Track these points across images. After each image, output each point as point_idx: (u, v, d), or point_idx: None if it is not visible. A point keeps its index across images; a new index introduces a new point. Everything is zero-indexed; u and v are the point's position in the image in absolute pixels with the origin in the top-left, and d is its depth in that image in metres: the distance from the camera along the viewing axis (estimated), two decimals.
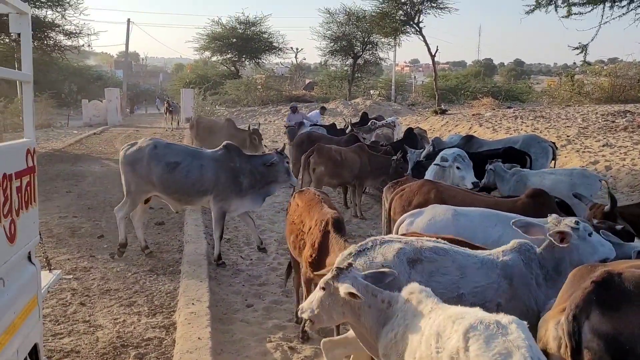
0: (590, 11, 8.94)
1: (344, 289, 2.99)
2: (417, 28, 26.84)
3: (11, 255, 2.39)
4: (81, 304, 5.31)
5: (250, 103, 31.70)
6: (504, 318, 2.58)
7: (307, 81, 42.27)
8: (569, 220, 3.46)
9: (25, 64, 2.80)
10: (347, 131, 12.79)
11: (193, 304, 5.02)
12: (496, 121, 19.93)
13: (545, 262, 3.45)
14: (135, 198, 6.62)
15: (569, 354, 2.62)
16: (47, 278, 3.42)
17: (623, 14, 8.88)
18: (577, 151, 14.05)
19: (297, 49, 42.39)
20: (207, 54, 38.94)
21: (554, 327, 2.74)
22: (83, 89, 34.68)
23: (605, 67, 29.36)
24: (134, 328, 4.78)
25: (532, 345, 2.44)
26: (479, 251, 3.56)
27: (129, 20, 37.27)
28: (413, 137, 11.28)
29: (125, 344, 4.49)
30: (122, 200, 6.77)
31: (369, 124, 13.60)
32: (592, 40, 9.30)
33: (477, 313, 2.70)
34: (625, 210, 5.34)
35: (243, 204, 6.76)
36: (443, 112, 24.99)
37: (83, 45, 25.01)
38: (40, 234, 3.03)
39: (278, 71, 43.00)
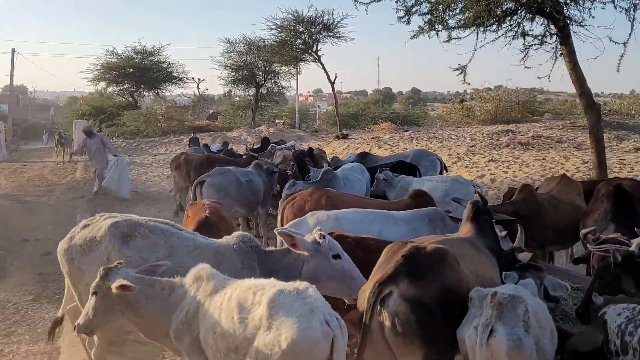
0: (467, 36, 9.68)
1: (115, 284, 3.00)
2: (316, 56, 27.62)
3: None
4: None
5: (150, 134, 30.79)
6: (300, 285, 2.84)
7: (211, 111, 41.84)
8: (316, 233, 3.69)
9: None
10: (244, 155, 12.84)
11: None
12: (394, 143, 20.88)
13: (271, 258, 3.70)
14: None
15: (367, 314, 2.99)
16: None
17: (496, 38, 9.69)
18: (466, 167, 15.04)
19: (198, 79, 41.97)
20: (103, 84, 37.40)
21: (368, 296, 3.05)
22: None
23: (491, 93, 31.75)
24: (12, 357, 4.43)
25: (327, 304, 2.78)
26: (210, 239, 3.82)
27: (13, 50, 35.09)
28: (313, 157, 11.51)
29: None
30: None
31: (269, 148, 13.73)
32: (470, 61, 10.02)
33: (274, 283, 2.91)
34: (498, 208, 5.82)
35: None
36: (345, 136, 25.74)
37: None
38: None
39: (180, 102, 42.21)
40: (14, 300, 5.83)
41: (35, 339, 4.80)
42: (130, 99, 36.85)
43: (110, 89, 37.76)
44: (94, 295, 3.07)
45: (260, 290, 2.83)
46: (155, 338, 3.28)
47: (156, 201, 13.15)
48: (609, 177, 10.61)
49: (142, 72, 35.71)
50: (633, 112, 26.79)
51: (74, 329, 3.19)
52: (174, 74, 37.45)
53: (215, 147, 16.52)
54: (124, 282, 2.96)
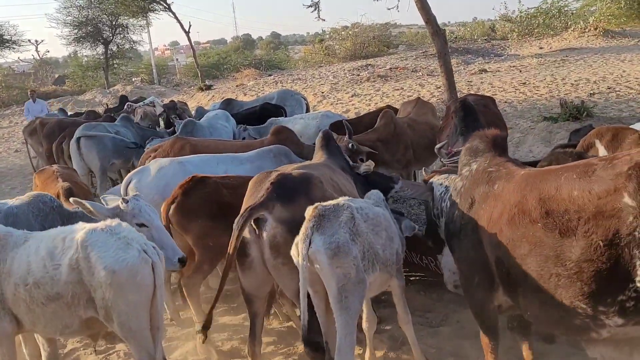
0: None
1: None
2: (165, 4, 26.06)
3: None
4: None
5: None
6: (112, 222, 2.95)
7: (57, 75, 38.20)
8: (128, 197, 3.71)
9: None
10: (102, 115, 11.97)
11: None
12: (259, 88, 20.71)
13: (75, 219, 3.60)
14: None
15: (234, 237, 3.11)
16: None
17: None
18: (332, 104, 15.40)
19: (36, 40, 37.87)
20: None
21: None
22: None
23: (348, 31, 32.36)
24: None
25: (142, 235, 2.96)
26: None
27: None
28: (175, 108, 11.07)
29: None
30: None
31: (125, 106, 12.93)
32: None
33: (83, 225, 2.98)
34: (362, 137, 6.07)
35: None
36: (208, 87, 24.97)
37: None
38: None
39: (19, 68, 38.00)
40: None
41: None
42: None
43: None
44: None
45: (69, 234, 2.89)
46: None
47: (6, 177, 11.95)
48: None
49: None
50: (476, 37, 28.93)
51: None
52: (5, 37, 33.27)
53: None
54: None
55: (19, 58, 37.74)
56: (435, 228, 3.61)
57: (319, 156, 4.16)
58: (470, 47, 25.85)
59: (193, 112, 11.05)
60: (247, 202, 3.35)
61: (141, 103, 13.75)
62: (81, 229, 2.91)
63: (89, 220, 3.40)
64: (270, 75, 27.23)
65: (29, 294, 2.84)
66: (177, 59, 48.03)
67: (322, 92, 17.16)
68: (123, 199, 3.55)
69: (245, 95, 19.58)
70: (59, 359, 3.36)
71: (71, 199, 3.53)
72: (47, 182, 4.72)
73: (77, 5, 30.71)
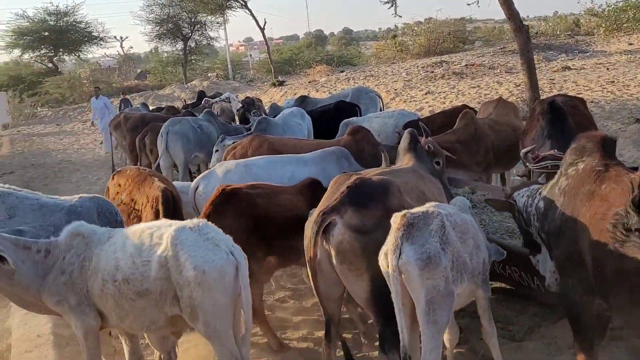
0: None
1: None
2: (242, 2, 26.65)
3: None
4: None
5: (77, 100, 29.22)
6: (199, 221, 2.97)
7: (139, 70, 40.06)
8: None
9: None
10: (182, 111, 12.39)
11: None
12: (331, 85, 20.73)
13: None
14: None
15: (311, 243, 3.10)
16: None
17: None
18: (405, 101, 15.18)
19: (121, 37, 39.82)
20: (17, 52, 34.87)
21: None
22: None
23: (422, 26, 31.80)
24: None
25: (228, 237, 2.96)
26: (53, 197, 3.73)
27: None
28: (253, 105, 11.28)
29: None
30: None
31: (203, 102, 13.31)
32: None
33: (168, 222, 3.01)
34: (441, 138, 5.90)
35: None
36: (281, 83, 25.33)
37: None
38: None
39: (105, 64, 40.11)
40: None
41: None
42: (50, 64, 34.59)
43: (26, 56, 35.27)
44: None
45: (156, 230, 2.92)
46: (25, 305, 3.16)
47: (91, 168, 12.64)
48: (541, 97, 10.98)
49: (58, 34, 33.41)
50: (558, 33, 27.56)
51: None
52: (93, 34, 35.24)
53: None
54: (2, 253, 2.80)
55: (105, 54, 39.79)
56: (527, 235, 3.54)
57: (406, 159, 3.98)
58: (552, 42, 24.67)
59: (267, 108, 11.21)
60: (323, 203, 3.33)
61: (218, 99, 14.12)
62: (167, 225, 2.95)
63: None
64: (342, 71, 27.22)
65: (118, 290, 2.88)
66: (250, 55, 49.07)
67: (395, 89, 16.95)
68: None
69: (317, 91, 19.68)
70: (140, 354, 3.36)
71: None
72: (138, 182, 4.50)
73: (160, 3, 32.03)
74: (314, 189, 4.05)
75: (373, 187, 3.19)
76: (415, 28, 31.54)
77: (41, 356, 3.70)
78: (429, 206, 2.88)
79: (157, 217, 4.14)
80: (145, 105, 14.82)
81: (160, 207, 4.16)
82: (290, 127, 7.65)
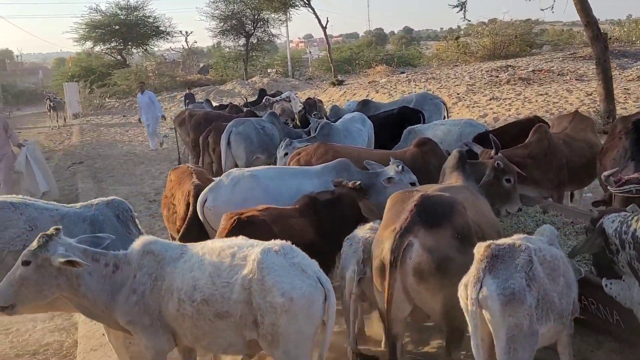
0: None
1: (59, 257, 2.68)
2: (305, 1, 26.75)
3: None
4: None
5: (187, 85, 30.17)
6: (282, 243, 2.81)
7: (201, 65, 40.98)
8: None
9: None
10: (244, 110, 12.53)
11: None
12: (391, 86, 20.49)
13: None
14: None
15: (388, 265, 3.02)
16: None
17: None
18: (467, 107, 14.77)
19: (186, 32, 40.81)
20: (89, 44, 36.38)
21: (388, 247, 3.07)
22: None
23: (486, 28, 30.90)
24: (29, 335, 4.38)
25: (314, 262, 2.82)
26: (71, 206, 3.70)
27: None
28: (314, 107, 11.26)
29: (20, 353, 4.11)
30: None
31: (264, 100, 13.41)
32: None
33: (249, 242, 2.85)
34: (511, 152, 5.65)
35: None
36: (340, 82, 25.28)
37: None
38: None
39: (169, 57, 41.30)
40: None
41: (51, 315, 4.72)
42: (119, 57, 35.99)
43: (97, 48, 36.84)
44: (25, 266, 2.71)
45: (239, 251, 2.79)
46: (94, 317, 3.06)
47: (154, 161, 12.98)
48: (616, 108, 10.41)
49: (128, 28, 34.74)
50: (634, 39, 26.14)
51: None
52: (161, 29, 36.43)
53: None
54: (72, 257, 2.68)
55: (170, 47, 41.01)
56: (607, 264, 3.32)
57: (454, 178, 4.00)
58: (627, 49, 23.43)
59: (327, 110, 11.16)
60: (389, 224, 3.25)
61: (278, 98, 14.21)
62: (250, 245, 2.82)
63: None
64: (402, 72, 26.88)
65: (196, 311, 2.74)
66: (310, 52, 49.27)
67: (458, 94, 16.53)
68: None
69: (377, 92, 19.49)
70: None
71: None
72: (182, 178, 4.84)
73: (225, 0, 32.60)
74: (313, 207, 3.97)
75: (440, 204, 3.19)
76: (480, 29, 30.73)
77: (105, 355, 3.76)
78: (516, 238, 2.72)
79: (187, 210, 4.46)
80: (208, 102, 15.08)
81: (191, 200, 4.42)
82: (351, 133, 7.56)
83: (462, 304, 2.67)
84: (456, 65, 26.00)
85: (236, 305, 2.70)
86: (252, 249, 2.77)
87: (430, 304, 3.13)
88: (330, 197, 4.05)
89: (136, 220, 3.77)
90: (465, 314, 2.62)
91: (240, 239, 2.92)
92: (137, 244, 2.94)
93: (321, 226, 3.88)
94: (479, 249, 2.65)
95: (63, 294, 2.85)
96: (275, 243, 2.81)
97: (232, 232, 3.54)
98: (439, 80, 20.20)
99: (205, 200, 4.37)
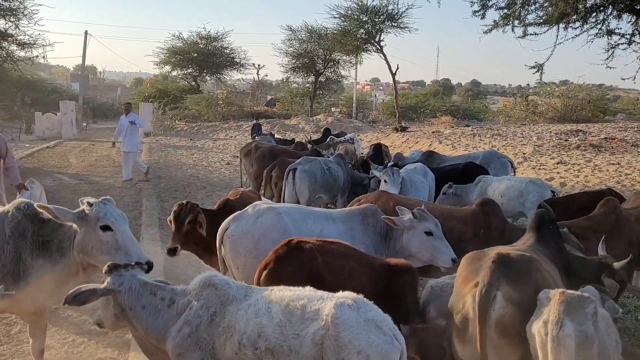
0: (545, 32, 9.21)
1: (106, 284, 2.83)
2: (378, 46, 27.22)
3: None
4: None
5: (211, 118, 31.36)
6: (355, 296, 2.72)
7: (269, 97, 42.21)
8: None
9: None
10: (308, 147, 12.74)
11: None
12: (455, 139, 20.31)
13: (47, 227, 3.62)
14: None
15: (477, 320, 3.05)
16: None
17: (577, 35, 9.15)
18: (533, 168, 14.41)
19: (258, 65, 42.40)
20: (167, 68, 38.36)
21: (472, 301, 3.15)
22: (37, 101, 33.52)
23: (557, 89, 30.36)
24: (84, 348, 4.52)
25: (387, 317, 2.73)
26: None
27: (86, 32, 36.25)
28: (380, 153, 11.32)
29: None
30: None
31: (328, 140, 13.61)
32: (548, 59, 9.55)
33: (320, 294, 2.77)
34: (573, 223, 5.47)
35: None
36: (403, 129, 25.31)
37: (37, 57, 24.21)
38: None
39: (240, 87, 42.81)
40: None
41: (106, 330, 4.85)
42: (193, 83, 37.66)
43: (174, 73, 38.79)
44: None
45: (309, 302, 2.70)
46: (146, 351, 3.03)
47: (216, 187, 13.31)
48: None
49: (205, 57, 36.42)
50: None
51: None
52: (235, 60, 37.98)
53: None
54: (86, 287, 2.81)
55: (242, 78, 42.53)
56: None
57: (526, 238, 3.97)
58: None
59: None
60: (467, 280, 3.30)
61: (342, 139, 14.41)
62: (321, 298, 2.75)
63: (60, 226, 3.50)
64: (468, 125, 26.68)
65: (257, 359, 2.67)
66: (375, 96, 49.81)
67: (524, 154, 16.18)
68: (88, 202, 3.51)
69: (440, 143, 19.37)
70: None
71: (36, 204, 3.49)
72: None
73: (300, 39, 33.70)
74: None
75: (518, 261, 3.27)
76: (550, 90, 30.20)
77: None
78: (585, 293, 2.98)
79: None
80: (272, 135, 15.47)
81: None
82: (414, 184, 7.53)
83: (537, 339, 2.86)
84: (523, 124, 25.55)
85: (303, 359, 2.63)
86: (325, 302, 2.70)
87: (509, 358, 3.18)
88: None
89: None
90: (539, 348, 2.83)
91: (312, 291, 2.84)
92: (199, 277, 2.94)
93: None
94: (555, 294, 2.89)
95: (123, 324, 2.94)
96: (347, 295, 2.75)
97: (280, 253, 3.63)
98: (505, 137, 19.88)
99: (227, 227, 4.39)
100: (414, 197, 6.20)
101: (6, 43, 21.70)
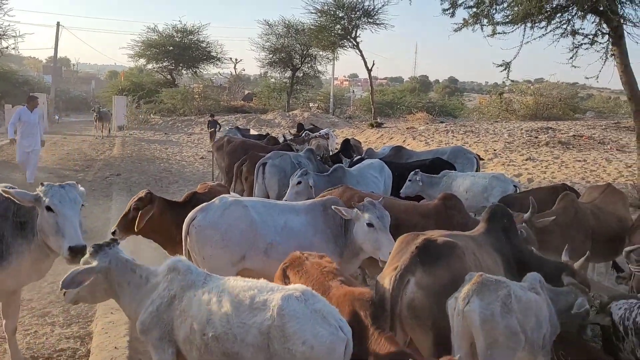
0: (513, 31, 9.41)
1: (77, 268, 3.00)
2: (354, 42, 27.38)
3: None
4: None
5: (186, 112, 31.15)
6: (303, 289, 2.79)
7: (246, 92, 42.03)
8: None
9: None
10: (281, 142, 12.78)
11: (112, 313, 4.81)
12: (429, 135, 20.57)
13: (22, 209, 3.74)
14: None
15: (389, 303, 3.33)
16: None
17: (543, 34, 9.38)
18: (503, 164, 14.71)
19: (236, 59, 42.17)
20: (142, 61, 37.93)
21: (388, 282, 3.40)
22: (7, 93, 32.82)
23: (531, 87, 30.91)
24: (46, 339, 4.53)
25: (335, 309, 2.80)
26: None
27: (58, 23, 35.55)
28: (349, 148, 11.43)
29: (35, 355, 4.26)
30: None
31: (302, 134, 13.67)
32: (514, 58, 9.78)
33: (269, 286, 2.87)
34: (537, 217, 5.64)
35: None
36: (379, 125, 25.53)
37: (7, 48, 23.72)
38: None
39: (216, 81, 42.53)
40: (49, 280, 5.90)
41: (69, 321, 4.88)
42: (169, 76, 37.30)
43: (149, 66, 38.37)
44: None
45: (258, 294, 2.79)
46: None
47: (189, 181, 13.28)
48: None
49: (181, 50, 36.10)
50: None
51: (63, 294, 3.15)
52: (212, 54, 37.72)
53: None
54: (80, 269, 2.96)
55: (219, 72, 42.26)
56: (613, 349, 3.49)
57: (477, 227, 4.18)
58: None
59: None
60: (393, 260, 3.57)
61: (317, 133, 14.47)
62: (270, 289, 2.81)
63: (33, 207, 3.66)
64: (442, 122, 27.01)
65: (204, 345, 2.76)
66: (353, 92, 49.96)
67: (494, 150, 16.50)
68: (41, 183, 3.74)
69: (414, 139, 19.61)
70: None
71: (0, 189, 3.67)
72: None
73: (277, 34, 33.64)
74: None
75: (439, 247, 3.44)
76: (524, 87, 30.74)
77: None
78: (503, 278, 3.28)
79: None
80: (238, 129, 15.38)
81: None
82: (365, 179, 7.49)
83: (449, 312, 3.15)
84: (496, 121, 25.96)
85: (248, 347, 2.70)
86: (273, 294, 2.76)
87: (421, 337, 3.40)
88: None
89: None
90: (450, 321, 3.13)
91: (263, 283, 2.92)
92: (167, 261, 3.12)
93: None
94: (471, 276, 3.17)
95: (111, 297, 3.15)
96: (296, 288, 2.81)
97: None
98: (477, 134, 20.21)
99: (194, 218, 4.44)
100: (379, 194, 6.28)
101: None
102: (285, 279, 3.39)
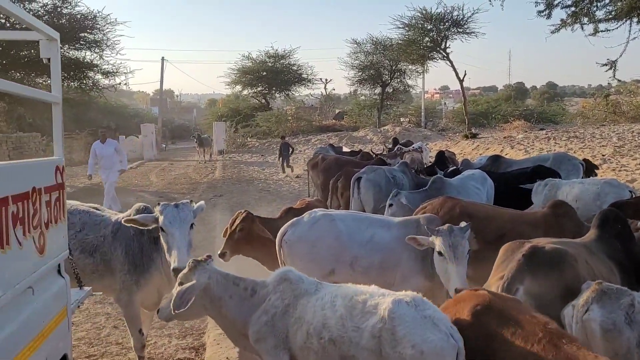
0: (617, 27, 8.83)
1: (200, 279, 3.04)
2: (444, 54, 26.95)
3: (40, 266, 2.51)
4: (114, 327, 5.44)
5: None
6: (414, 295, 2.79)
7: (337, 111, 42.64)
8: None
9: (54, 86, 2.99)
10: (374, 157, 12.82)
11: None
12: (528, 143, 19.65)
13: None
14: None
15: None
16: (78, 294, 3.54)
17: None
18: (613, 170, 13.71)
19: (326, 79, 43.00)
20: (239, 87, 39.87)
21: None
22: (121, 126, 35.79)
23: None
24: (165, 349, 4.86)
25: (446, 316, 2.78)
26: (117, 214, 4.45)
27: (162, 58, 38.52)
28: (444, 160, 11.22)
29: None
30: None
31: (395, 149, 13.62)
32: (621, 56, 9.16)
33: (381, 291, 2.87)
34: None
35: None
36: (474, 136, 24.80)
37: (120, 84, 25.89)
38: (70, 250, 3.15)
39: (308, 102, 43.57)
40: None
41: (184, 333, 5.21)
42: (263, 100, 38.82)
43: (245, 92, 40.18)
44: (181, 286, 3.07)
45: (370, 298, 2.84)
46: (233, 338, 3.28)
47: (286, 199, 13.66)
48: None
49: (274, 74, 37.50)
50: None
51: (157, 312, 3.26)
52: (303, 76, 38.81)
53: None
54: (184, 287, 3.01)
55: (310, 93, 43.31)
56: None
57: (589, 234, 3.97)
58: None
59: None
60: (497, 270, 3.45)
61: (410, 148, 14.37)
62: (381, 294, 2.86)
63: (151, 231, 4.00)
64: (542, 129, 25.70)
65: (322, 348, 2.83)
66: (445, 104, 49.00)
67: (603, 155, 15.42)
68: (158, 203, 3.99)
69: (512, 148, 18.82)
70: None
71: (123, 220, 4.01)
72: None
73: (365, 51, 33.95)
74: None
75: (548, 255, 3.31)
76: (633, 88, 28.54)
77: None
78: (624, 287, 3.04)
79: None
80: (332, 146, 15.62)
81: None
82: (466, 190, 7.25)
83: (566, 320, 2.98)
84: (603, 125, 24.30)
85: (363, 351, 2.74)
86: (384, 298, 2.81)
87: None
88: None
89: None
90: (569, 330, 2.92)
91: (374, 288, 2.95)
92: (277, 271, 3.22)
93: None
94: (590, 284, 3.00)
95: (209, 314, 3.22)
96: (407, 294, 2.83)
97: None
98: (583, 139, 19.01)
99: (285, 232, 4.58)
100: (481, 203, 6.08)
101: (92, 73, 23.30)
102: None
